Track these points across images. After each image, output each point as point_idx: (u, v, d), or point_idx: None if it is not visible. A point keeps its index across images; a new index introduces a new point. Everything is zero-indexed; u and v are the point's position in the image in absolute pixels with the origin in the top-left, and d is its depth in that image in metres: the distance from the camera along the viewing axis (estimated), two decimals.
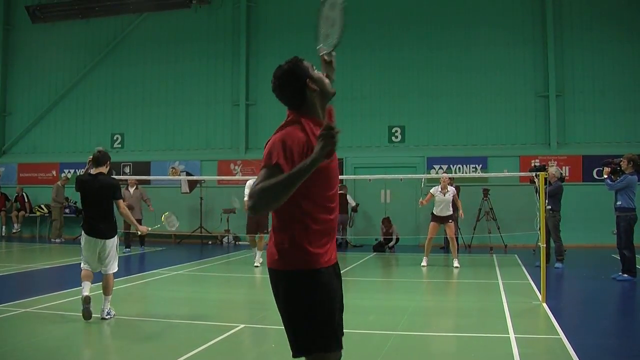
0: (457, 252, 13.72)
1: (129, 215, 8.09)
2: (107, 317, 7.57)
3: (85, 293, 7.49)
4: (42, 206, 21.10)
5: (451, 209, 13.56)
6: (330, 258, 3.27)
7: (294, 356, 3.21)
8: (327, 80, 3.33)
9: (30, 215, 21.31)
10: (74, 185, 8.10)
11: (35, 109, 22.80)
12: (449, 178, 14.03)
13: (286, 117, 3.27)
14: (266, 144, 3.13)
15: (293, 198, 2.98)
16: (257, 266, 13.12)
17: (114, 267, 7.85)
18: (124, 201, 8.32)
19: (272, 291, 3.26)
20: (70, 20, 22.18)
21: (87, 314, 7.40)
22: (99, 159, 7.88)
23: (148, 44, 21.74)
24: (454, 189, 13.83)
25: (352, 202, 18.31)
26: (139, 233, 8.94)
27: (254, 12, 20.86)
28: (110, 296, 7.72)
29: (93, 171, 7.88)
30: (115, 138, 21.90)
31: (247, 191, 12.95)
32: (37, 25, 22.45)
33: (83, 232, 7.73)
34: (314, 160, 2.86)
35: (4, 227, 21.53)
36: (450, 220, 13.53)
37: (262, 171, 2.98)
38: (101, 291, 7.70)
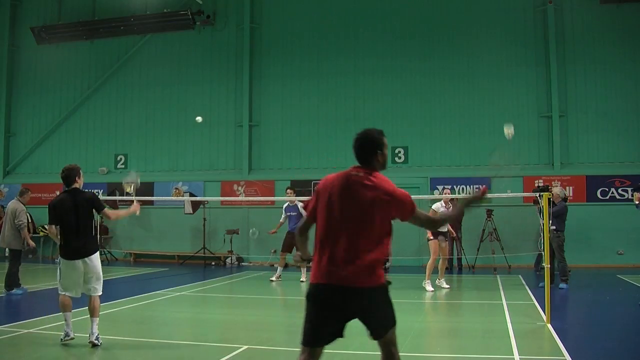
0: (444, 273, 13.66)
1: (119, 214, 8.48)
2: (97, 342, 7.02)
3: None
4: (46, 226, 21.04)
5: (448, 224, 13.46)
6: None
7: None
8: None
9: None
10: (48, 215, 7.49)
11: (40, 129, 22.90)
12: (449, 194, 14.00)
13: (372, 174, 4.15)
14: (376, 186, 4.04)
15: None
16: (302, 281, 14.15)
17: (100, 289, 7.36)
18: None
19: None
20: (75, 41, 22.34)
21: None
22: (67, 178, 7.45)
23: (152, 65, 21.87)
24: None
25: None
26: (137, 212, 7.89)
27: (257, 33, 20.97)
28: (98, 318, 7.19)
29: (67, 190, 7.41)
30: (118, 159, 21.95)
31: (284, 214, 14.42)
32: (42, 46, 22.62)
33: (62, 258, 7.23)
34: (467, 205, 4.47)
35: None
36: (445, 238, 13.46)
37: (419, 210, 4.17)
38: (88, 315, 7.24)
